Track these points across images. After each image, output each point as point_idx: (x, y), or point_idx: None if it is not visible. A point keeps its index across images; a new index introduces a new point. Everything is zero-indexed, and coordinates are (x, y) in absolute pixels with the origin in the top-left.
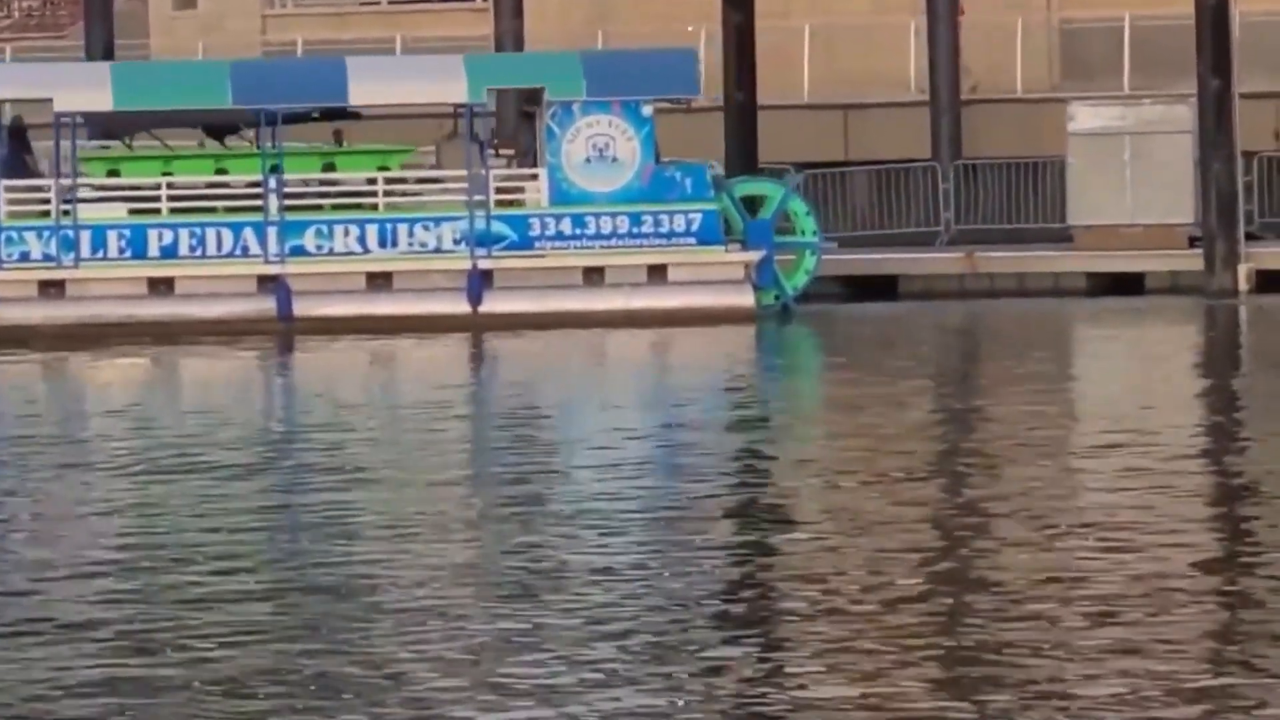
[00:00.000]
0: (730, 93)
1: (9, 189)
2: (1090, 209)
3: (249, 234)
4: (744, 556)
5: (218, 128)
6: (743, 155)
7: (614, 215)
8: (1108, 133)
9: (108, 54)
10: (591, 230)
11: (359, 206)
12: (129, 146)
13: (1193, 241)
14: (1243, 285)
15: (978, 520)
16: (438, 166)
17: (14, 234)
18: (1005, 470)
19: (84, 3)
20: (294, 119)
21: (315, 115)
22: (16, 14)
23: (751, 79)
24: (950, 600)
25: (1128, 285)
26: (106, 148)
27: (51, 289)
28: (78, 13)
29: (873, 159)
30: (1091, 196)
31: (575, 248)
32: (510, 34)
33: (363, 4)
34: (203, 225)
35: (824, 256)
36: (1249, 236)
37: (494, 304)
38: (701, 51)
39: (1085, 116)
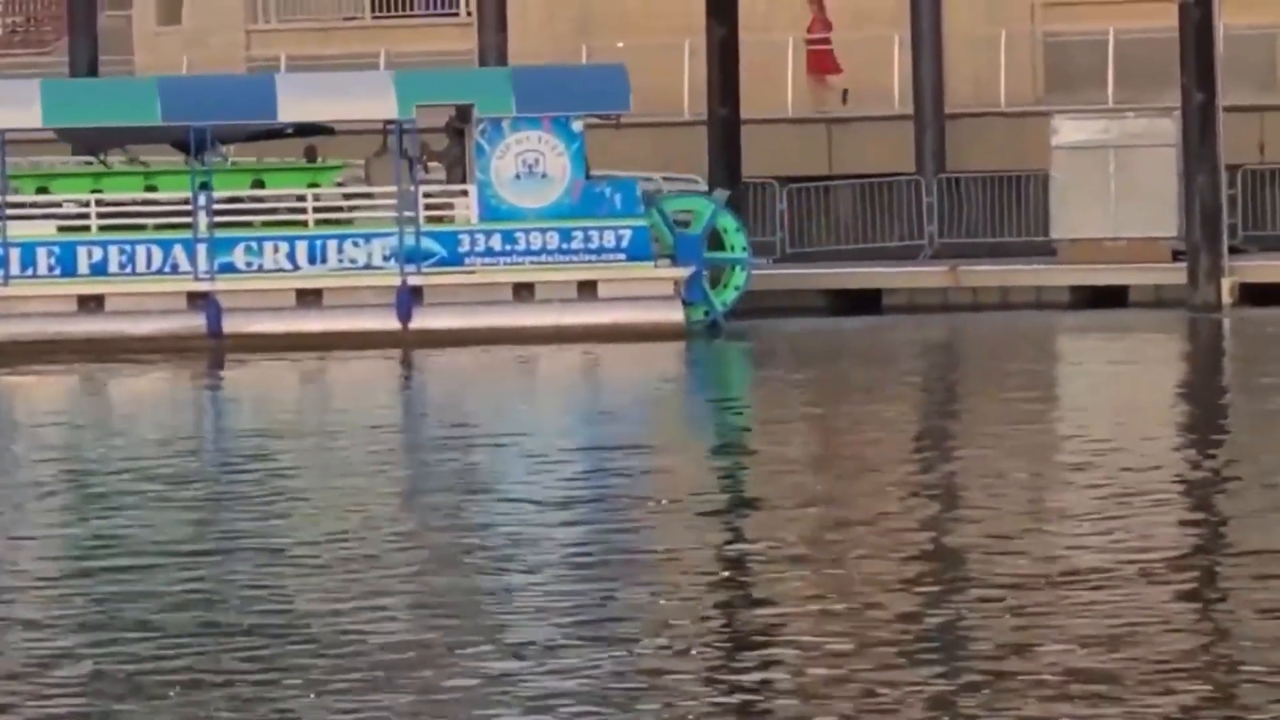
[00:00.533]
0: (714, 107)
1: None
2: (1074, 222)
3: (179, 251)
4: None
5: (185, 145)
6: (726, 169)
7: (544, 231)
8: (1091, 146)
9: (92, 70)
10: (521, 246)
11: (289, 223)
12: (104, 164)
13: (1176, 255)
14: (1226, 299)
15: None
16: (368, 183)
17: None
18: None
19: (68, 19)
20: (270, 134)
21: (289, 131)
22: (0, 30)
23: (735, 93)
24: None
25: (1111, 299)
26: (36, 164)
27: None
28: (62, 29)
29: (856, 173)
30: (1075, 210)
31: (505, 264)
32: (493, 48)
33: (346, 19)
34: (132, 242)
35: (798, 271)
36: (1232, 250)
37: (424, 320)
38: (686, 65)
39: (1069, 130)
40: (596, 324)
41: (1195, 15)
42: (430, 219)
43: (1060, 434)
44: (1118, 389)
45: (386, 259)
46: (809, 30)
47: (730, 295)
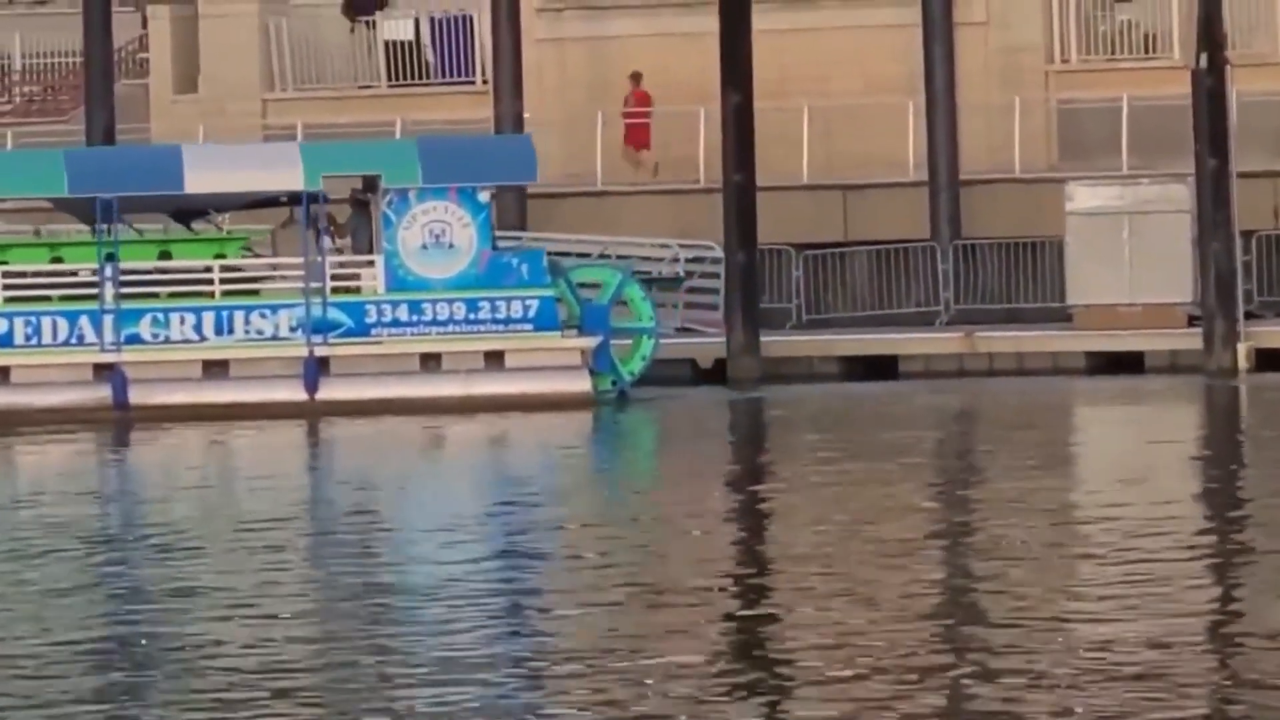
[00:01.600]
0: (729, 174)
1: None
2: (1089, 288)
3: (85, 322)
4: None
5: (183, 213)
6: (742, 236)
7: (450, 301)
8: (1106, 212)
9: (108, 138)
10: (428, 317)
11: (196, 294)
12: (106, 231)
13: (1192, 320)
14: (1242, 364)
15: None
16: (274, 254)
17: None
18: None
19: (85, 88)
20: (262, 204)
21: (284, 200)
22: (18, 99)
23: (750, 160)
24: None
25: (1127, 364)
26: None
27: None
28: (79, 98)
29: (872, 239)
30: (1090, 276)
31: (412, 334)
32: (510, 116)
33: (362, 88)
34: (38, 314)
35: (814, 337)
36: (1248, 315)
37: (331, 391)
38: (702, 132)
39: (1083, 196)
40: (504, 394)
41: (1208, 82)
42: (337, 290)
43: (1074, 502)
44: (1133, 457)
45: (293, 330)
46: (626, 104)
47: (638, 365)
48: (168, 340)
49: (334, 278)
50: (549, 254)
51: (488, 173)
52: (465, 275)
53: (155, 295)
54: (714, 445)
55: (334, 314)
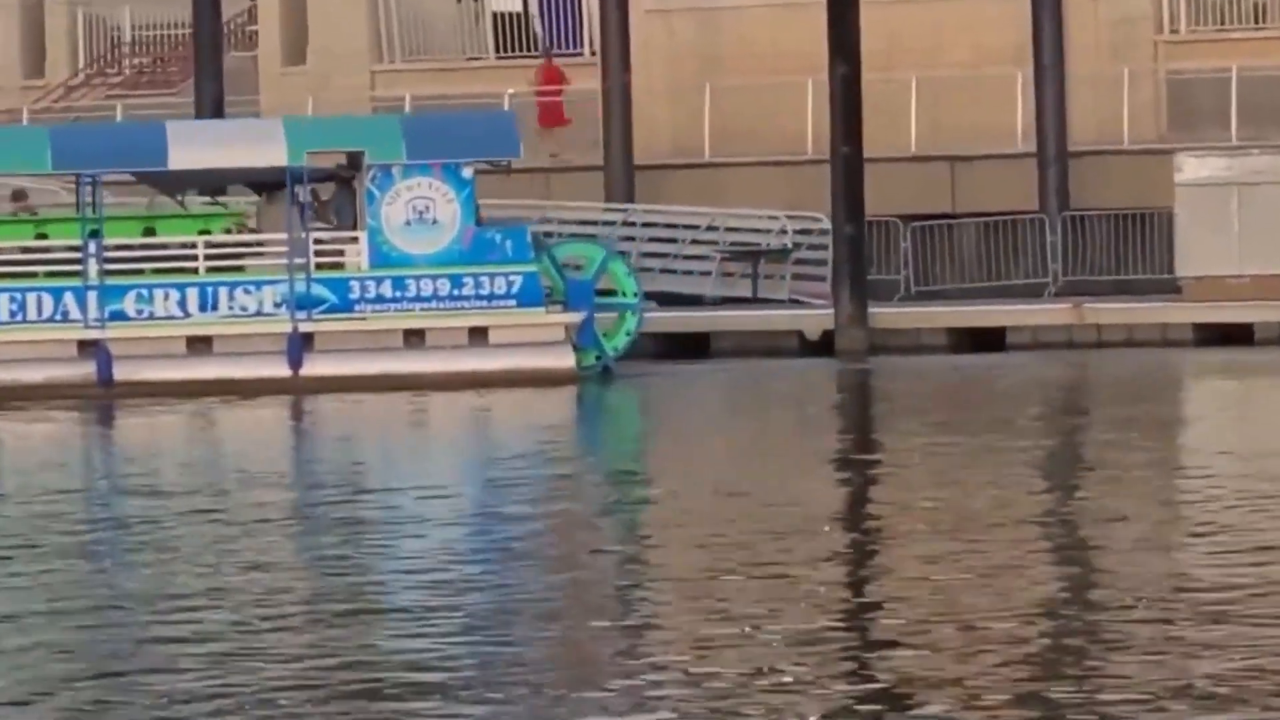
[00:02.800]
0: (837, 145)
1: None
2: (1198, 260)
3: (69, 298)
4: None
5: (264, 185)
6: (850, 208)
7: (434, 278)
8: (1215, 183)
9: (217, 110)
10: (412, 293)
11: (180, 270)
12: (181, 204)
13: None
14: None
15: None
16: (259, 230)
17: None
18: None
19: (194, 60)
20: (330, 177)
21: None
22: (128, 71)
23: (858, 132)
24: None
25: (1236, 336)
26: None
27: None
28: (188, 70)
29: (980, 211)
30: (1199, 247)
31: (395, 310)
32: (618, 88)
33: (470, 60)
34: (22, 290)
35: (921, 309)
36: None
37: (315, 367)
38: (809, 104)
39: (1192, 167)
40: (487, 370)
41: None
42: (321, 266)
43: (1185, 480)
44: (1243, 431)
45: (277, 306)
46: (538, 82)
47: (622, 340)
48: (152, 316)
49: (318, 254)
50: (533, 231)
51: (471, 149)
52: (449, 251)
53: (140, 272)
54: (822, 416)
55: (318, 290)
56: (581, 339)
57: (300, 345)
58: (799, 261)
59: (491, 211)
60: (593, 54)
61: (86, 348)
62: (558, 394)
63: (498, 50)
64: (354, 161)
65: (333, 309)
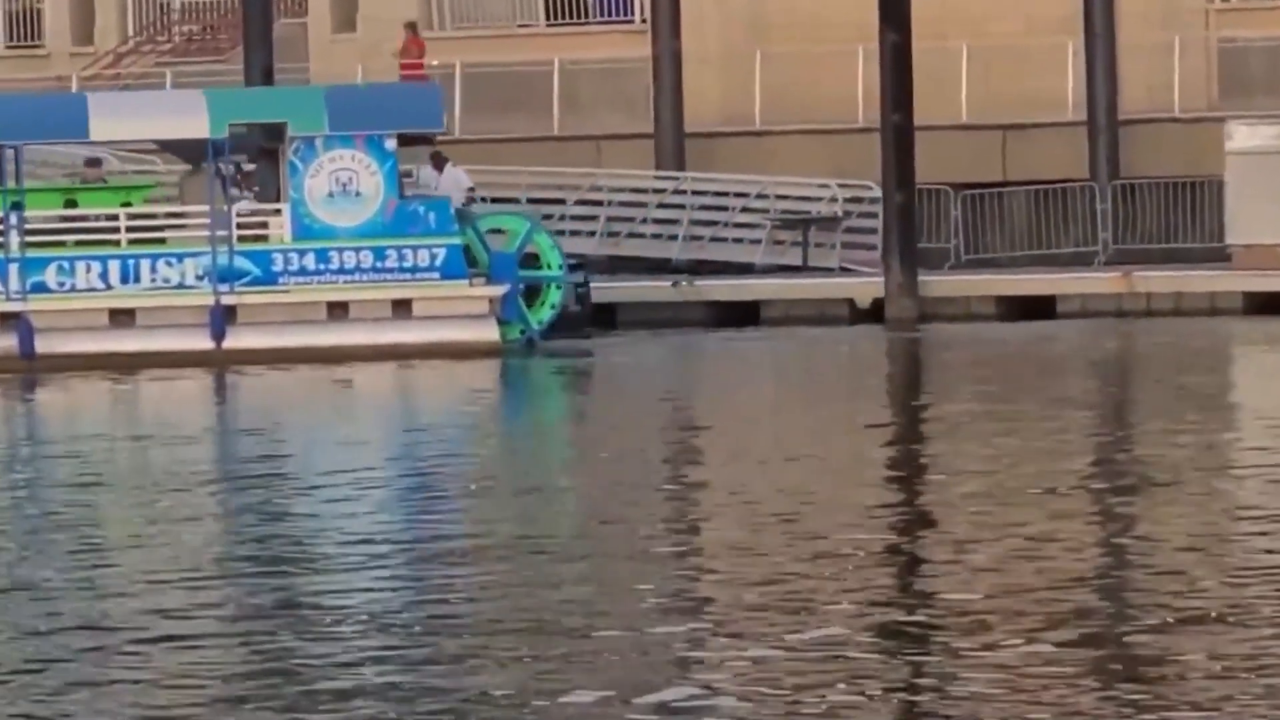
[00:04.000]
0: (887, 113)
1: None
2: (1248, 228)
3: None
4: None
5: (268, 154)
6: (900, 176)
7: (357, 250)
8: (1266, 151)
9: (267, 78)
10: (335, 265)
11: (102, 243)
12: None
13: None
14: None
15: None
16: (182, 202)
17: None
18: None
19: (243, 27)
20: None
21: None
22: (177, 38)
23: (908, 99)
24: None
25: None
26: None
27: None
28: (238, 37)
29: (1031, 179)
30: (1249, 215)
31: (319, 283)
32: (668, 54)
33: (520, 27)
34: None
35: (972, 277)
36: None
37: (237, 339)
38: (860, 71)
39: (1243, 135)
40: (411, 343)
41: None
42: (244, 238)
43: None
44: None
45: (200, 278)
46: (400, 54)
47: (546, 314)
48: (73, 289)
49: (241, 226)
50: (461, 203)
51: (394, 121)
52: (372, 224)
53: (61, 244)
54: (876, 384)
55: (240, 262)
56: (505, 312)
57: (223, 318)
58: (849, 230)
59: (541, 179)
60: (643, 21)
61: (8, 320)
62: (477, 368)
63: (548, 17)
64: (277, 133)
65: (255, 281)
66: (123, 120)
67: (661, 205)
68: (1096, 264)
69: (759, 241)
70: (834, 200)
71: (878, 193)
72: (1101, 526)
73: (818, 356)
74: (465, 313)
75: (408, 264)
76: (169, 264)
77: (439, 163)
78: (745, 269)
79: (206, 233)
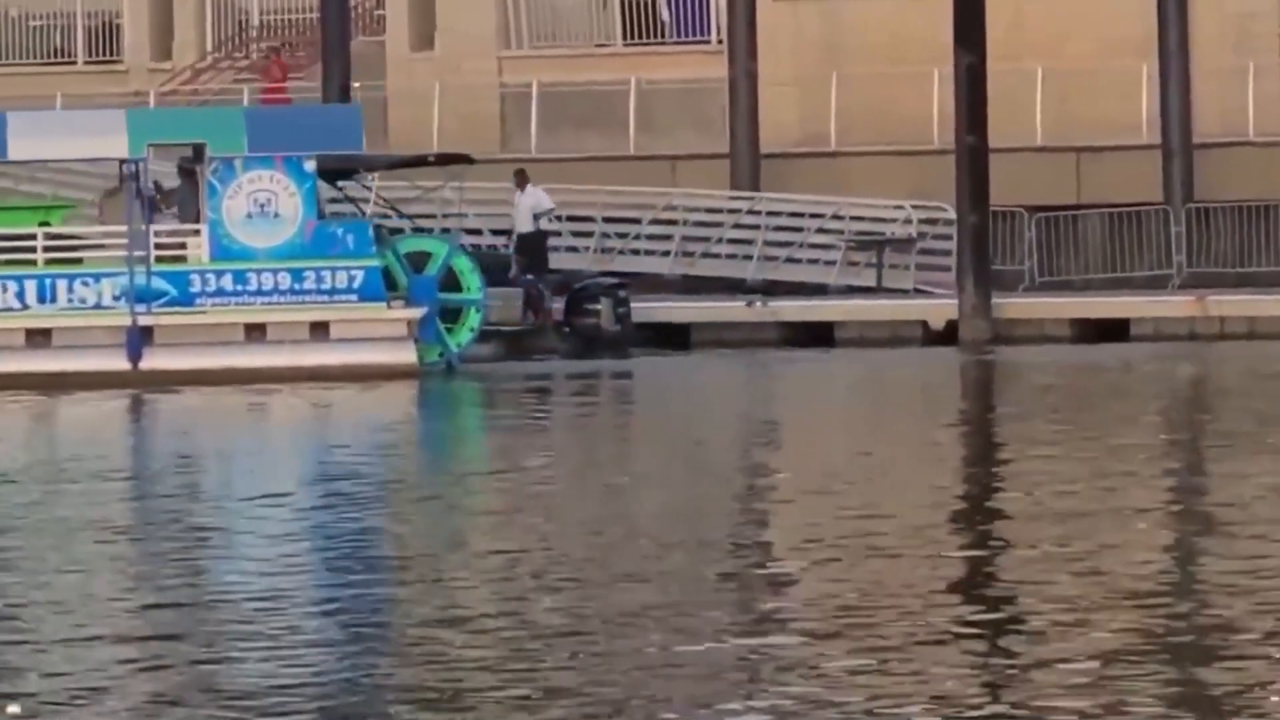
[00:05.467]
0: (962, 135)
1: None
2: None
3: None
4: None
5: (333, 173)
6: (974, 198)
7: (275, 271)
8: None
9: (344, 95)
10: (253, 286)
11: (19, 263)
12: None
13: None
14: None
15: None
16: (101, 222)
17: None
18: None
19: (321, 44)
20: (409, 163)
21: (431, 160)
22: (255, 55)
23: (983, 122)
24: None
25: None
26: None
27: None
28: (316, 54)
29: (1105, 202)
30: None
31: (236, 304)
32: (744, 75)
33: (598, 46)
34: None
35: (1045, 299)
36: None
37: (154, 361)
38: (935, 93)
39: None
40: (328, 365)
41: None
42: (161, 259)
43: None
44: None
45: (117, 299)
46: (265, 77)
47: (465, 336)
48: None
49: (159, 246)
50: (376, 225)
51: (314, 142)
52: (291, 245)
53: None
54: (947, 403)
55: (158, 283)
56: (424, 334)
57: (140, 339)
58: (924, 251)
59: (617, 199)
60: (719, 42)
61: None
62: (392, 392)
63: (625, 37)
64: (198, 154)
65: (173, 302)
66: (42, 139)
67: (736, 225)
68: (1171, 287)
69: (833, 262)
70: (908, 222)
71: (952, 214)
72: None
73: (882, 378)
74: (383, 335)
75: (326, 286)
76: (85, 284)
77: (521, 182)
78: (819, 290)
79: (124, 253)
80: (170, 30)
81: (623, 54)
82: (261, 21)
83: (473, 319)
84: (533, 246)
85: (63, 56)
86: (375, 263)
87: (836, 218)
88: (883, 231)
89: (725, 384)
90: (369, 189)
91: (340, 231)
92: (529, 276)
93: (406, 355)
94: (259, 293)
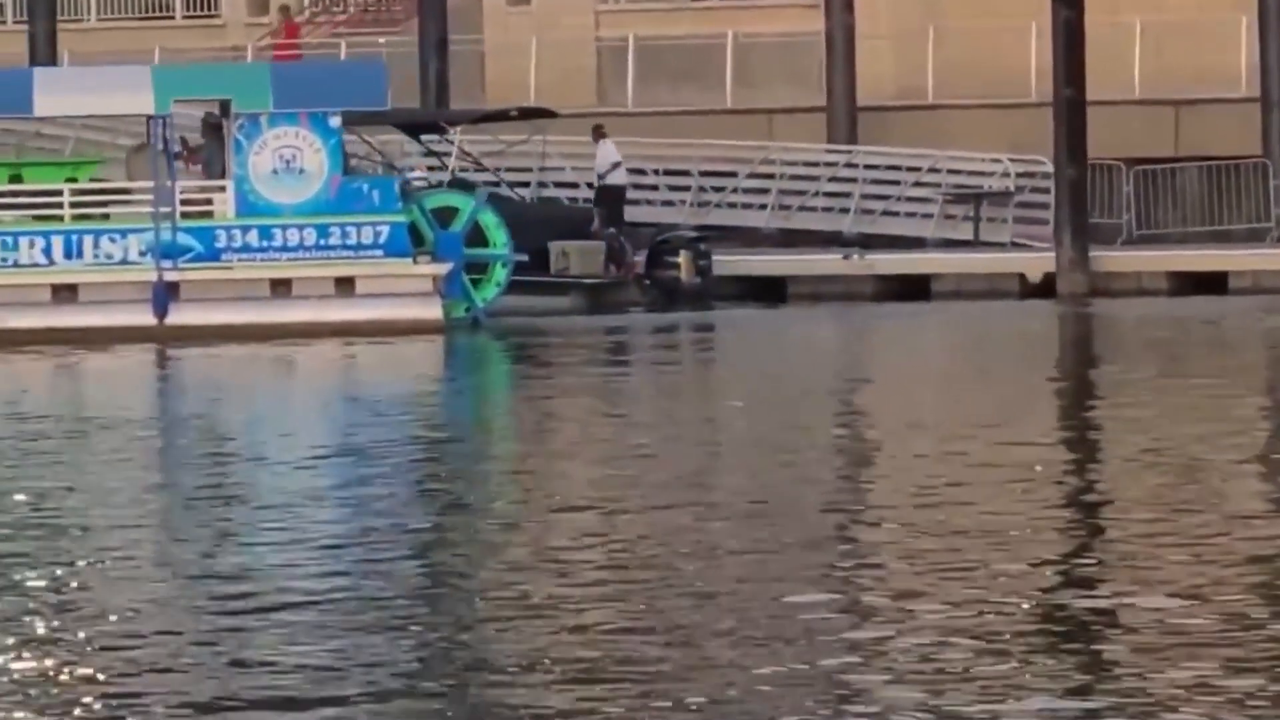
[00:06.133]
0: (1059, 88)
1: None
2: None
3: None
4: None
5: (415, 127)
6: (1072, 151)
7: (301, 227)
8: None
9: (441, 49)
10: (278, 242)
11: (45, 217)
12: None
13: None
14: None
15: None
16: (128, 178)
17: None
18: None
19: None
20: (496, 117)
21: (513, 114)
22: (352, 9)
23: (1081, 74)
24: None
25: None
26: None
27: None
28: (412, 8)
29: (1203, 155)
30: None
31: (262, 259)
32: (841, 29)
33: (694, 0)
34: None
35: (1143, 253)
36: None
37: (181, 316)
38: (1033, 46)
39: None
40: (354, 320)
41: None
42: (187, 214)
43: None
44: None
45: (143, 254)
46: (274, 37)
47: (492, 291)
48: (16, 264)
49: (185, 202)
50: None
51: (339, 98)
52: (316, 201)
53: (4, 219)
54: (1045, 357)
55: (184, 239)
56: (450, 290)
57: (166, 294)
58: (1021, 204)
59: (713, 153)
60: None
61: None
62: (419, 347)
63: None
64: (224, 110)
65: (199, 258)
66: (68, 95)
67: (833, 179)
68: (1269, 240)
69: (930, 216)
70: (1006, 175)
71: (1049, 168)
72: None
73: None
74: (409, 290)
75: (351, 241)
76: (112, 240)
77: (598, 135)
78: (917, 243)
79: (150, 209)
80: None
81: (719, 7)
82: None
83: (499, 274)
84: (611, 199)
85: (161, 11)
86: (401, 218)
87: (933, 171)
88: (980, 185)
89: (808, 337)
90: (451, 143)
91: (366, 187)
92: (612, 230)
93: (432, 311)
94: (285, 248)
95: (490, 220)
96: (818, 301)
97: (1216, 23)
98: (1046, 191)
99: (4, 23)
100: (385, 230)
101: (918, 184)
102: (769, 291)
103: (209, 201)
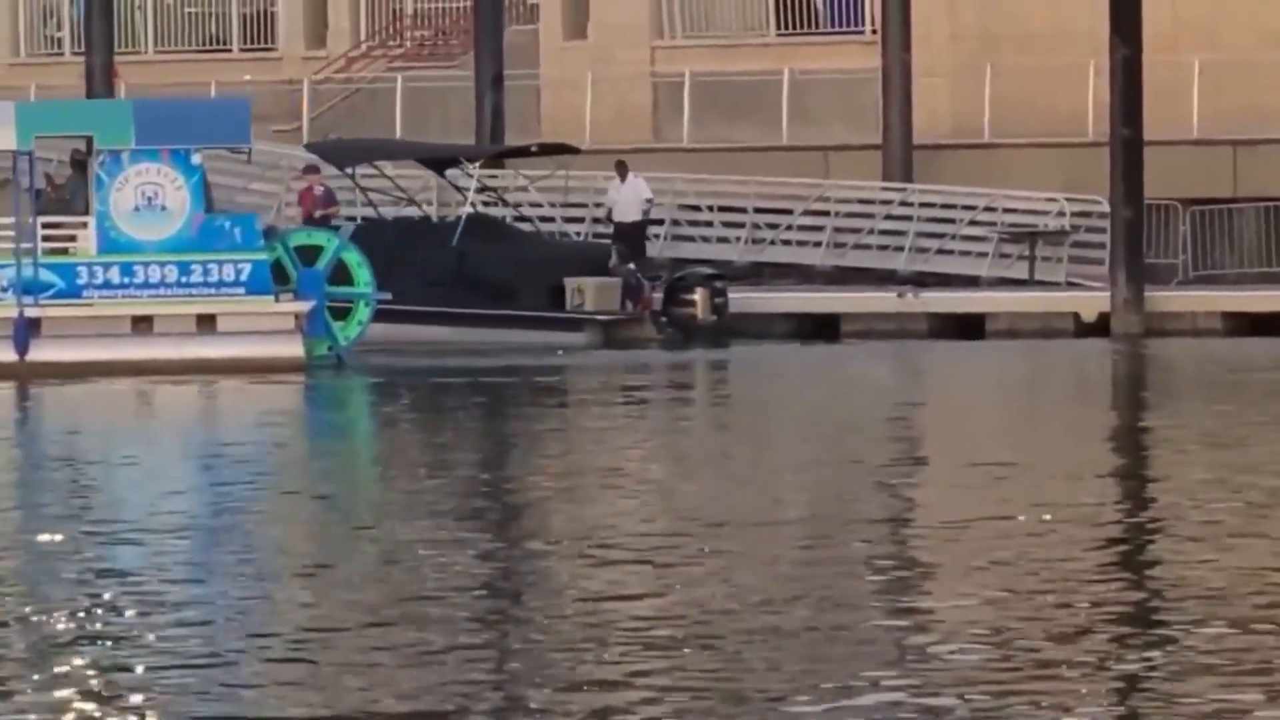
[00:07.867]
0: (1117, 127)
1: None
2: None
3: None
4: None
5: (437, 162)
6: (1129, 191)
7: (162, 264)
8: None
9: (497, 84)
10: (140, 279)
11: None
12: (351, 178)
13: None
14: None
15: None
16: None
17: None
18: None
19: (474, 33)
20: (515, 153)
21: (534, 150)
22: (409, 44)
23: (1138, 114)
24: None
25: None
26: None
27: None
28: (469, 43)
29: (1262, 195)
30: None
31: (123, 296)
32: (898, 66)
33: (751, 35)
34: None
35: (1198, 293)
36: None
37: (42, 352)
38: (1090, 85)
39: None
40: (215, 358)
41: None
42: (49, 251)
43: None
44: None
45: (4, 290)
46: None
47: (355, 330)
48: None
49: (47, 239)
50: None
51: (201, 135)
52: (178, 238)
53: None
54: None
55: (45, 275)
56: (312, 328)
57: (27, 330)
58: (1076, 244)
59: (769, 189)
60: (874, 32)
61: None
62: (274, 388)
63: (779, 27)
64: (88, 146)
65: (60, 294)
66: None
67: (888, 217)
68: None
69: (986, 254)
70: (1061, 214)
71: (1106, 207)
72: None
73: (1033, 370)
74: (270, 328)
75: (213, 279)
76: None
77: (622, 171)
78: (971, 282)
79: (11, 245)
80: (324, 18)
81: (775, 44)
82: (415, 9)
83: (362, 313)
84: (632, 236)
85: (218, 44)
86: (263, 256)
87: (989, 209)
88: (1036, 224)
89: (825, 374)
90: (471, 177)
91: (228, 225)
92: (629, 266)
93: (293, 349)
94: (146, 285)
95: (354, 259)
96: (871, 339)
97: (1275, 63)
98: (1102, 231)
99: (62, 55)
100: (247, 268)
101: (973, 222)
102: (823, 330)
103: (71, 238)
